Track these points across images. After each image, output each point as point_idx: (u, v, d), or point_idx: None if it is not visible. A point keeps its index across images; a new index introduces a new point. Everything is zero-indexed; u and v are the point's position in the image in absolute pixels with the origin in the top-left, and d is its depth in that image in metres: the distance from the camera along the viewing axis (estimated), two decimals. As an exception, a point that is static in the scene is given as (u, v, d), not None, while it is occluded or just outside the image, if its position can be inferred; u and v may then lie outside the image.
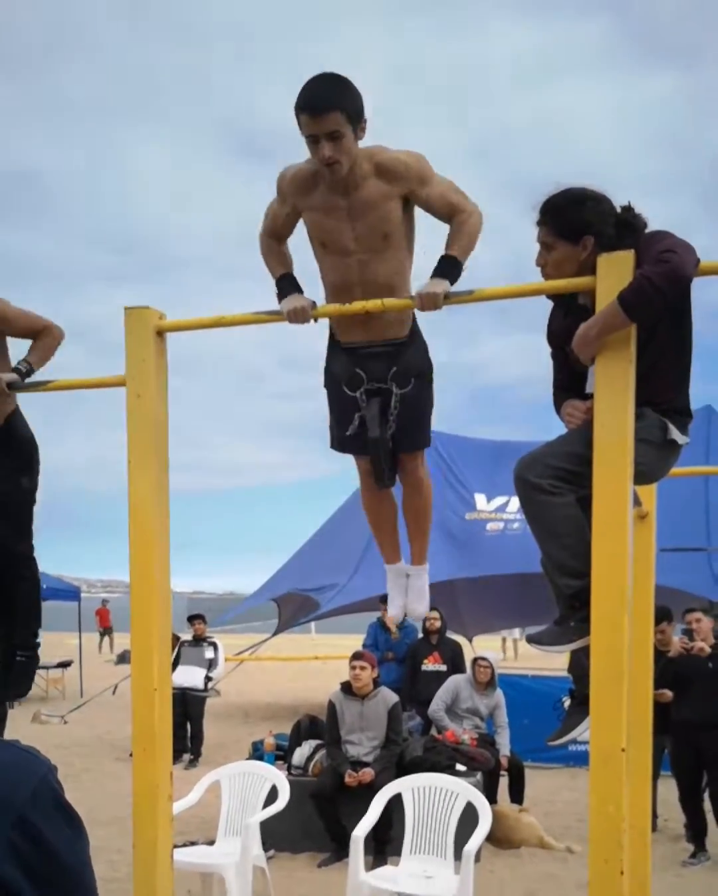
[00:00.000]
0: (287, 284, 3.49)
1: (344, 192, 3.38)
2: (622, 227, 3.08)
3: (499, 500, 14.57)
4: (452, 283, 3.29)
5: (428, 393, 3.77)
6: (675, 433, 3.17)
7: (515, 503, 13.31)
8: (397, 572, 4.17)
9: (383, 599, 11.49)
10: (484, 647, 16.20)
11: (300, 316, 3.36)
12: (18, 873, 1.34)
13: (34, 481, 4.39)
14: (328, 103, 3.19)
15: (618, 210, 3.13)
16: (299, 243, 3.60)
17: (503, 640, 28.34)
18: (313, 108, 3.19)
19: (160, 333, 3.38)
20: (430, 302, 3.22)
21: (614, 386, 2.89)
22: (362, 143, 3.35)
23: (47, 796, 1.40)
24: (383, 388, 3.62)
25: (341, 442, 3.82)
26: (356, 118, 3.27)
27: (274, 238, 3.61)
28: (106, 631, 31.84)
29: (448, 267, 3.35)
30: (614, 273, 2.88)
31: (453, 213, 3.41)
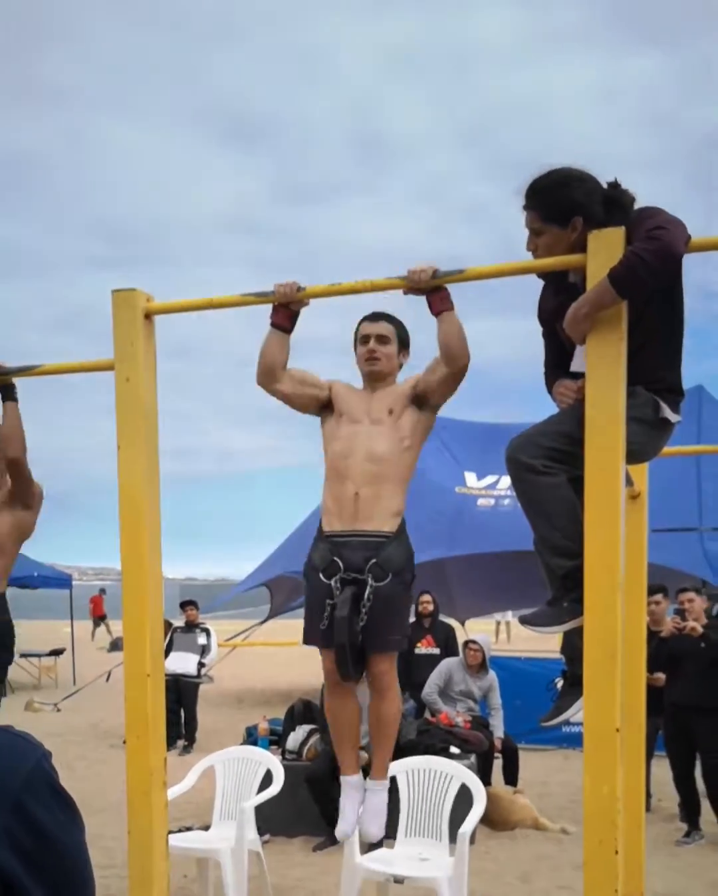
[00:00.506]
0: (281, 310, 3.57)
1: (373, 387, 3.83)
2: (610, 204, 3.05)
3: (489, 479, 14.56)
4: (451, 308, 3.36)
5: (405, 594, 3.75)
6: (667, 411, 3.15)
7: (505, 481, 13.28)
8: (354, 786, 3.94)
9: None
10: (477, 629, 16.24)
11: (289, 288, 3.37)
12: (14, 859, 1.33)
13: (7, 657, 5.44)
14: (386, 317, 3.83)
15: (604, 187, 3.10)
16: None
17: (497, 623, 28.35)
18: (373, 317, 3.83)
19: (148, 316, 3.36)
20: (419, 276, 3.21)
21: (605, 364, 2.86)
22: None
23: (42, 782, 1.39)
24: (359, 578, 3.61)
25: (311, 634, 3.76)
26: (404, 343, 3.86)
27: (285, 374, 3.73)
28: (99, 619, 31.76)
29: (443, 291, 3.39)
30: (604, 250, 2.85)
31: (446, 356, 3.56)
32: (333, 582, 3.63)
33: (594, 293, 2.86)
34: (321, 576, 3.67)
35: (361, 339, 3.83)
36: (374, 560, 3.61)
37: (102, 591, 33.30)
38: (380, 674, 3.76)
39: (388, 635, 3.71)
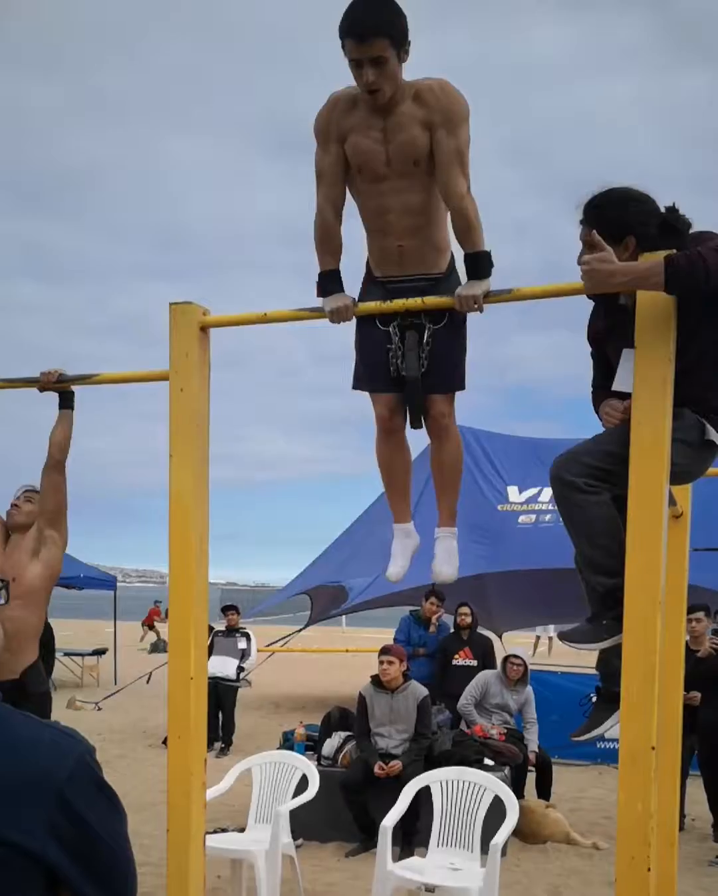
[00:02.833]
0: (331, 282, 3.52)
1: (383, 114, 3.36)
2: (666, 228, 3.06)
3: (531, 491, 14.54)
4: (488, 277, 3.33)
5: (461, 332, 3.65)
6: (713, 434, 3.17)
7: (547, 494, 13.24)
8: (406, 532, 3.92)
9: (426, 595, 11.50)
10: (515, 643, 16.20)
11: (343, 315, 3.42)
12: (59, 850, 1.40)
13: (51, 660, 5.09)
14: (375, 29, 3.16)
15: (662, 211, 3.12)
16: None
17: (537, 637, 28.13)
18: (359, 34, 3.16)
19: (204, 329, 3.43)
20: (469, 303, 3.26)
21: (652, 385, 2.90)
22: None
23: (86, 775, 1.47)
24: (417, 323, 3.53)
25: (363, 379, 3.71)
26: (401, 43, 3.23)
27: (330, 204, 3.53)
28: (150, 626, 31.91)
29: (481, 265, 3.37)
30: (655, 273, 2.88)
31: (452, 194, 3.38)
32: (391, 328, 3.56)
33: (642, 267, 2.86)
34: (377, 322, 3.59)
35: (353, 63, 3.25)
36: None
37: (157, 602, 33.40)
38: (440, 415, 3.69)
39: (448, 375, 3.65)
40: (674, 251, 2.87)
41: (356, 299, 3.50)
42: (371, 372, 3.66)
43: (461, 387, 3.72)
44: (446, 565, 3.86)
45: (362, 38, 3.16)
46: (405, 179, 3.41)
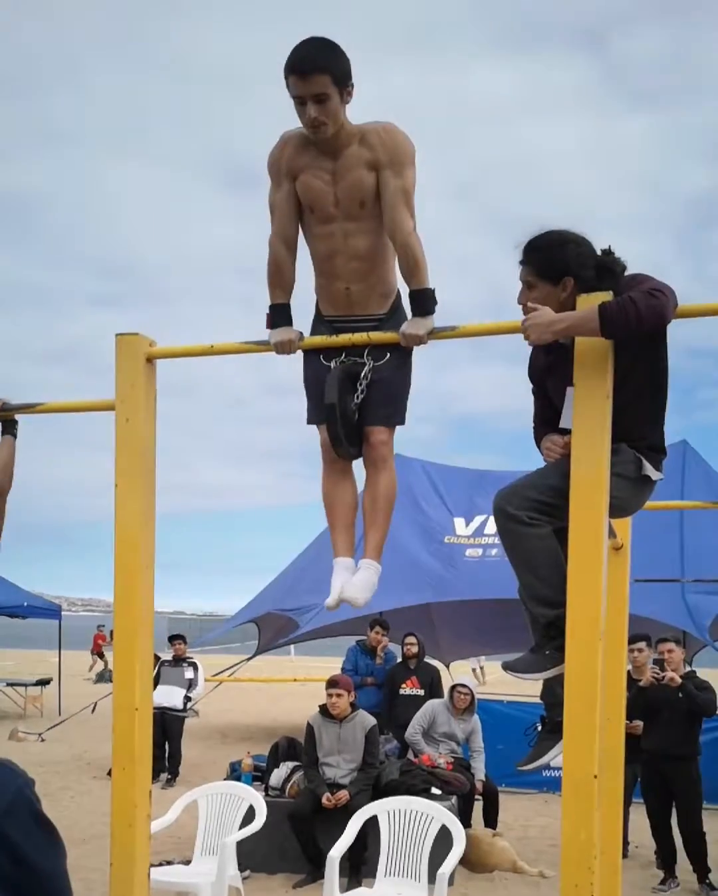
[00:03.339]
0: (279, 315, 3.55)
1: (331, 155, 3.42)
2: (602, 270, 3.15)
3: (478, 521, 14.69)
4: (432, 314, 3.39)
5: (405, 369, 3.66)
6: (649, 469, 3.25)
7: (492, 526, 13.38)
8: (344, 567, 3.75)
9: (371, 624, 11.53)
10: (460, 671, 16.23)
11: (287, 348, 3.46)
12: None
13: None
14: (316, 66, 3.23)
15: (598, 253, 3.21)
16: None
17: (473, 669, 27.98)
18: (301, 71, 3.24)
19: (150, 360, 3.44)
20: (414, 340, 3.33)
21: (591, 422, 2.96)
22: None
23: (24, 808, 1.46)
24: (359, 361, 3.55)
25: (311, 412, 3.71)
26: (343, 81, 3.30)
27: (282, 240, 3.57)
28: (99, 654, 31.55)
29: (425, 302, 3.42)
30: (592, 309, 2.95)
31: (398, 230, 3.42)
32: (333, 363, 3.57)
33: (578, 315, 2.95)
34: (320, 357, 3.61)
35: (297, 100, 3.32)
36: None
37: (100, 627, 33.00)
38: (377, 444, 3.65)
39: (386, 407, 3.62)
40: (610, 294, 2.96)
41: (304, 334, 3.54)
42: (315, 404, 3.69)
43: (401, 422, 3.74)
44: (360, 591, 3.63)
45: (304, 74, 3.24)
46: (353, 222, 3.47)
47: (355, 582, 3.65)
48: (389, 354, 3.55)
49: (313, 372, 3.67)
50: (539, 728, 3.47)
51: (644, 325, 2.87)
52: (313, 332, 3.67)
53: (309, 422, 3.77)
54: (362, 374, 3.55)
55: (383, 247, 3.53)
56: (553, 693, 3.29)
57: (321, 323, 3.69)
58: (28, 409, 3.87)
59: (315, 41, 3.30)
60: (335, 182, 3.44)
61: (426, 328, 3.33)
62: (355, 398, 3.56)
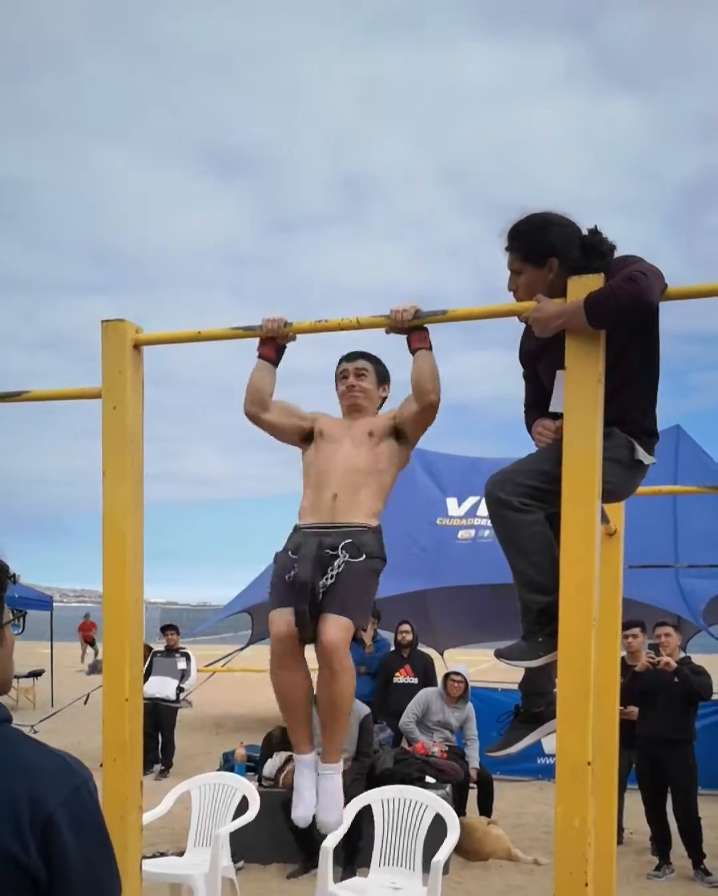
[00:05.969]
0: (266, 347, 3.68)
1: (353, 418, 3.91)
2: (588, 250, 3.13)
3: (471, 502, 14.68)
4: (428, 347, 3.46)
5: (373, 577, 3.70)
6: (642, 453, 3.22)
7: (485, 508, 13.40)
8: (308, 765, 3.75)
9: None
10: (456, 659, 16.23)
11: (276, 324, 3.46)
12: (43, 865, 1.54)
13: None
14: (362, 355, 3.95)
15: (584, 233, 3.19)
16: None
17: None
18: (349, 356, 3.95)
19: (137, 347, 3.40)
20: (402, 316, 3.29)
21: (583, 406, 2.92)
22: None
23: (79, 804, 1.60)
24: (333, 553, 3.59)
25: (275, 598, 3.71)
26: (382, 376, 3.97)
27: (275, 406, 3.83)
28: (90, 643, 31.56)
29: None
30: (583, 295, 2.93)
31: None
32: (298, 555, 3.61)
33: (571, 308, 2.93)
34: (290, 553, 3.66)
35: (340, 375, 3.96)
36: (350, 540, 3.61)
37: (87, 615, 33.01)
38: (332, 645, 3.55)
39: (349, 600, 3.59)
40: (600, 278, 2.93)
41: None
42: (276, 590, 3.70)
43: (361, 624, 3.78)
44: (330, 812, 3.71)
45: (351, 359, 3.94)
46: (359, 447, 3.78)
47: (326, 804, 3.71)
48: (364, 556, 3.62)
49: (282, 567, 3.69)
50: (513, 717, 3.44)
51: (629, 311, 2.87)
52: (288, 539, 3.77)
53: (272, 607, 3.74)
54: (336, 564, 3.59)
55: (379, 473, 3.75)
56: (533, 683, 3.29)
57: (297, 532, 3.76)
58: (14, 396, 3.82)
59: (368, 355, 3.98)
60: (352, 427, 3.87)
61: (413, 306, 3.32)
62: (324, 583, 3.57)
